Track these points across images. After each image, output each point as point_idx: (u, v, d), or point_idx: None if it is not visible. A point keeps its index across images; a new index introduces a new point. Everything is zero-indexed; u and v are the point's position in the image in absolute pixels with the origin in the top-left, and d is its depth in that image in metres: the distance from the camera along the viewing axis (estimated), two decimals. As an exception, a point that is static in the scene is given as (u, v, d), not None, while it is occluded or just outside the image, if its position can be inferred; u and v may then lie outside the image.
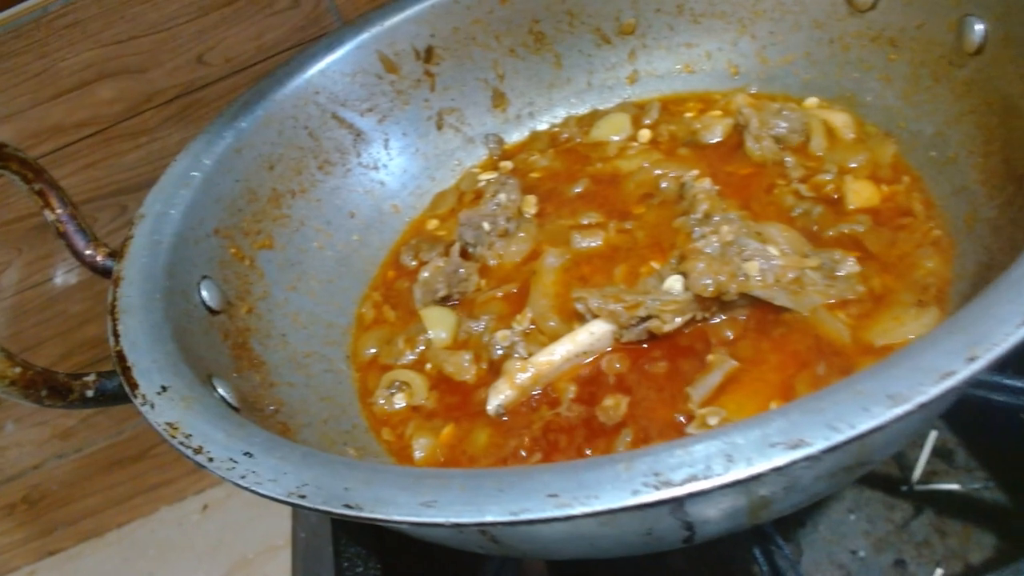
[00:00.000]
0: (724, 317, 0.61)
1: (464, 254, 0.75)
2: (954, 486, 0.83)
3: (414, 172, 0.85)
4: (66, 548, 1.43)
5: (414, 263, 0.78)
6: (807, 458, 0.31)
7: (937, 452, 0.85)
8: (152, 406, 0.44)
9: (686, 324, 0.61)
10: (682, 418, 0.56)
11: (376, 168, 0.83)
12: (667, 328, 0.60)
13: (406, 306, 0.75)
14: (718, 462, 0.31)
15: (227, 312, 0.63)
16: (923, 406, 0.31)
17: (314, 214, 0.77)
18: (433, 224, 0.83)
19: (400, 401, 0.66)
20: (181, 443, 0.41)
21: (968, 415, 0.81)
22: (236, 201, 0.70)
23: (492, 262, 0.74)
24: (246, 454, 0.39)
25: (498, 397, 0.61)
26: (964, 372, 0.31)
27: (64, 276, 1.17)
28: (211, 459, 0.39)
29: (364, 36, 0.81)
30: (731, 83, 0.83)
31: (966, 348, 0.32)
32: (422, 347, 0.69)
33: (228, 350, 0.60)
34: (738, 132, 0.77)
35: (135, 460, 1.35)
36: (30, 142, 1.04)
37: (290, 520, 1.36)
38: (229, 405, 0.51)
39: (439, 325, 0.70)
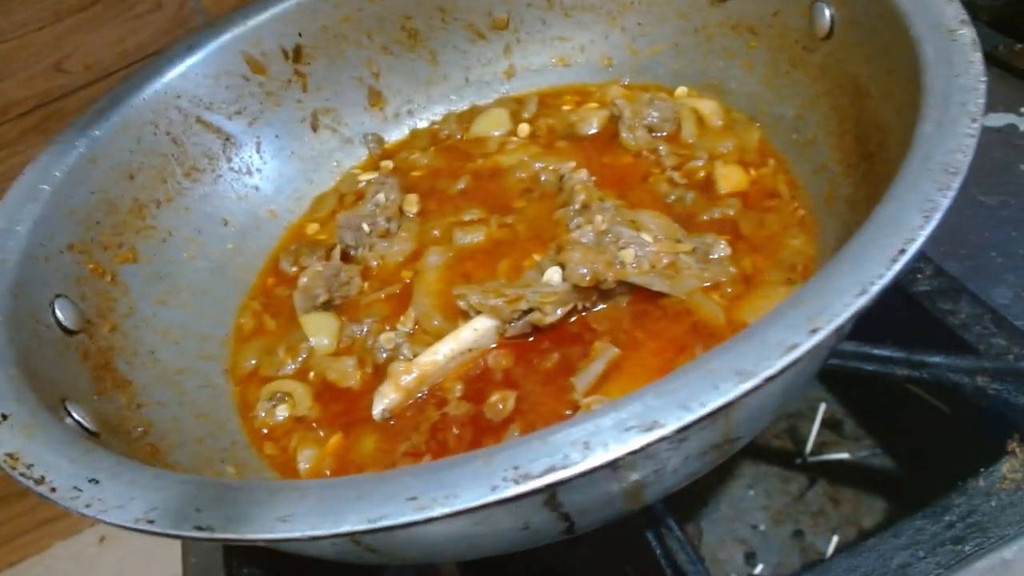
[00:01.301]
0: (604, 306, 0.62)
1: (345, 257, 0.73)
2: (844, 455, 0.86)
3: (290, 175, 0.83)
4: (-54, 597, 1.33)
5: (294, 269, 0.76)
6: (662, 439, 0.31)
7: (827, 424, 0.88)
8: (-10, 438, 0.41)
9: (568, 315, 0.61)
10: (568, 411, 0.56)
11: (249, 172, 0.80)
12: (548, 320, 0.60)
13: (287, 314, 0.72)
14: (575, 450, 0.31)
15: (86, 331, 0.59)
16: (770, 379, 0.32)
17: (183, 223, 0.74)
18: (313, 228, 0.81)
19: (282, 413, 0.64)
20: (22, 474, 0.38)
21: (854, 387, 0.85)
22: (92, 214, 0.66)
23: (374, 263, 0.73)
24: (91, 480, 0.36)
25: (383, 401, 0.60)
26: (807, 344, 0.32)
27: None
28: (53, 489, 0.37)
29: (226, 37, 0.77)
30: (605, 75, 0.84)
31: (807, 320, 0.33)
32: (304, 355, 0.67)
33: (87, 371, 0.56)
34: (613, 123, 0.78)
35: (24, 494, 1.26)
36: None
37: (189, 546, 1.30)
38: (85, 430, 0.48)
39: (321, 331, 0.67)
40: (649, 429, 0.31)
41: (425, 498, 0.31)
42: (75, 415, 0.48)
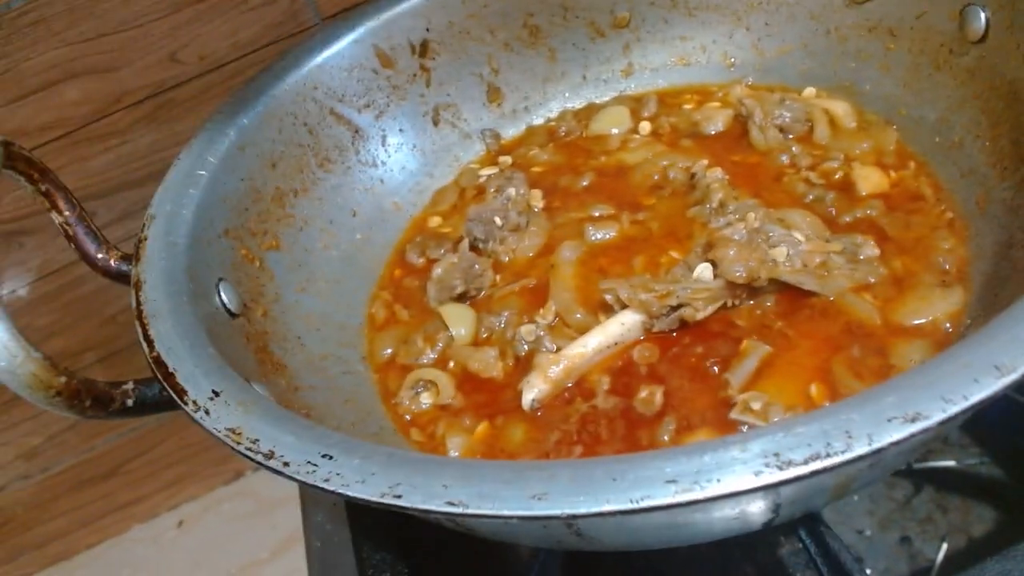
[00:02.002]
0: (752, 303, 0.62)
1: (473, 250, 0.74)
2: (950, 463, 0.86)
3: (412, 169, 0.84)
4: (33, 573, 1.35)
5: (421, 261, 0.77)
6: (925, 430, 0.31)
7: None
8: (207, 412, 0.42)
9: (715, 312, 0.61)
10: (723, 407, 0.56)
11: (375, 165, 0.81)
12: (699, 316, 0.60)
13: (418, 304, 0.73)
14: (838, 439, 0.31)
15: (245, 315, 0.61)
16: (1027, 374, 0.32)
17: (317, 213, 0.75)
18: (436, 221, 0.82)
19: (426, 400, 0.65)
20: (248, 449, 0.39)
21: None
22: (242, 201, 0.67)
23: (505, 257, 0.73)
24: (325, 456, 0.37)
25: (532, 391, 0.60)
26: (1065, 339, 0.32)
27: (25, 289, 1.11)
28: (286, 464, 0.37)
29: (360, 30, 0.79)
30: (727, 75, 0.84)
31: (1061, 317, 0.33)
32: (442, 345, 0.68)
33: (252, 354, 0.58)
34: (739, 123, 0.78)
35: (105, 478, 1.29)
36: (-9, 146, 0.98)
37: (273, 533, 1.32)
38: (270, 410, 0.49)
39: (459, 322, 0.68)
40: (913, 421, 0.31)
41: (686, 481, 0.31)
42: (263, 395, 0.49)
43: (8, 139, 0.51)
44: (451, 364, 0.67)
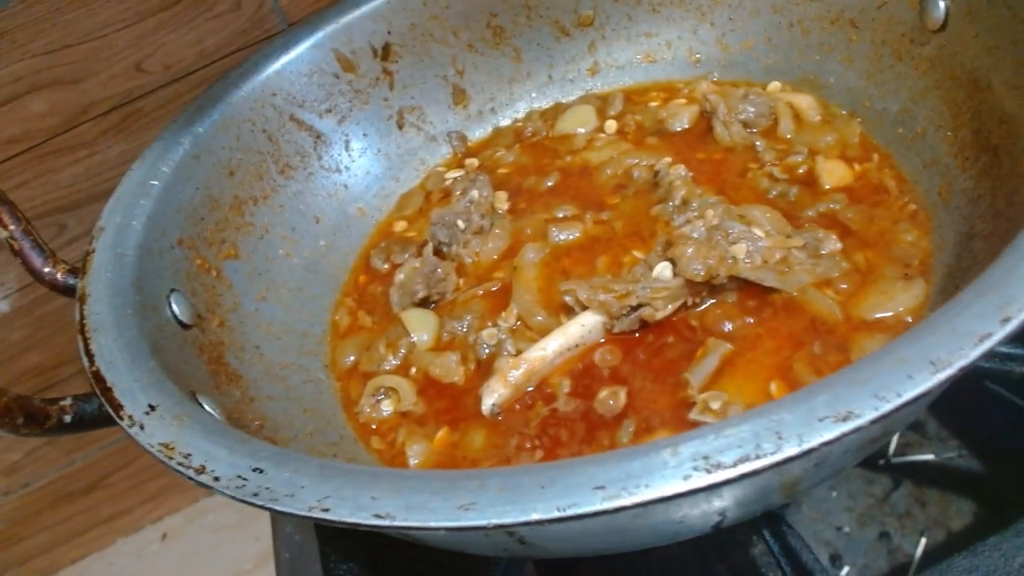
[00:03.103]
0: (713, 301, 0.61)
1: (437, 254, 0.73)
2: (929, 456, 0.85)
3: (377, 173, 0.83)
4: (15, 591, 1.35)
5: (386, 266, 0.76)
6: (857, 429, 0.30)
7: (909, 425, 0.86)
8: (141, 427, 0.41)
9: (676, 311, 0.60)
10: (683, 407, 0.56)
11: (338, 171, 0.80)
12: (659, 315, 0.59)
13: (382, 310, 0.72)
14: (768, 440, 0.30)
15: (199, 326, 0.60)
16: (962, 369, 0.31)
17: (278, 221, 0.74)
18: (401, 226, 0.81)
19: (387, 408, 0.64)
20: (180, 464, 0.38)
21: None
22: (198, 210, 0.66)
23: (468, 260, 0.73)
24: (255, 470, 0.36)
25: (492, 396, 0.60)
26: (1000, 333, 0.31)
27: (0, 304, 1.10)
28: (217, 478, 0.37)
29: (320, 35, 0.78)
30: (692, 71, 0.84)
31: (998, 309, 0.32)
32: (404, 351, 0.67)
33: (204, 365, 0.57)
34: (705, 119, 0.78)
35: (87, 492, 1.28)
36: (-44, 160, 0.97)
37: (256, 543, 1.31)
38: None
39: (421, 327, 0.67)
40: (844, 420, 0.30)
41: (614, 487, 0.30)
42: (207, 408, 0.48)
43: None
44: (413, 370, 0.66)
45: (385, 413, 0.63)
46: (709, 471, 0.30)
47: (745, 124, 0.74)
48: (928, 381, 0.31)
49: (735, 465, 0.30)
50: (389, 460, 0.60)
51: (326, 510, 0.33)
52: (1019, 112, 0.53)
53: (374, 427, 0.63)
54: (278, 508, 0.34)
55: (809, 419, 0.31)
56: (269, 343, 0.66)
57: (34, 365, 1.14)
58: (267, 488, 0.35)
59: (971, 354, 0.31)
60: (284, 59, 0.76)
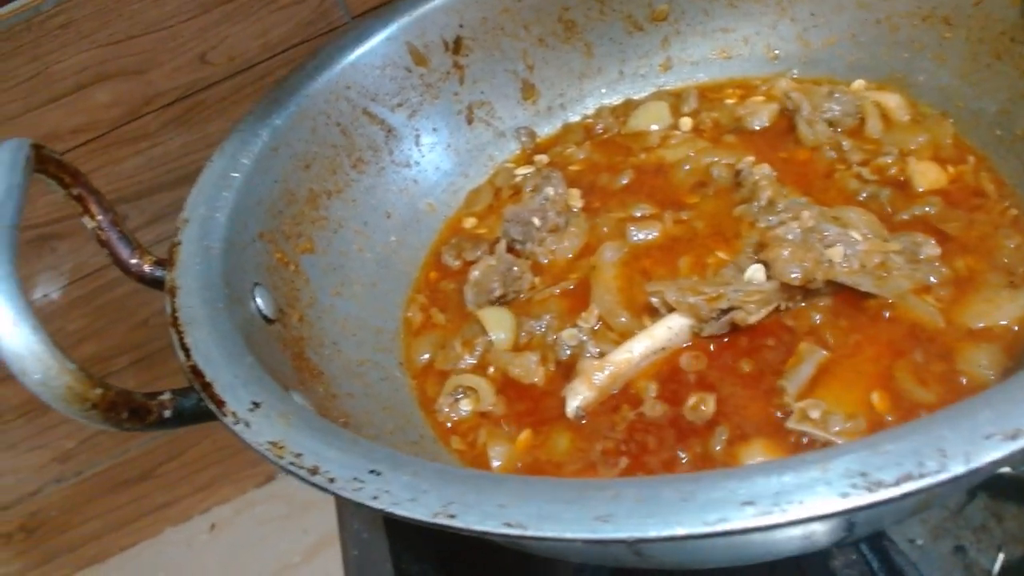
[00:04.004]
0: (805, 306, 0.59)
1: (511, 251, 0.72)
2: (1006, 469, 0.82)
3: (447, 169, 0.82)
4: (67, 576, 1.36)
5: (457, 263, 0.75)
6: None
7: None
8: (247, 424, 0.40)
9: (767, 315, 0.59)
10: (779, 414, 0.54)
11: (408, 165, 0.80)
12: (752, 319, 0.58)
13: (455, 308, 0.71)
14: (931, 458, 0.29)
15: (281, 321, 0.59)
16: None
17: (351, 215, 0.73)
18: (471, 222, 0.80)
19: (466, 407, 0.63)
20: (292, 464, 0.37)
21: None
22: (276, 203, 0.66)
23: (543, 259, 0.71)
24: (373, 472, 0.35)
25: (576, 398, 0.58)
26: None
27: (58, 293, 1.11)
28: (332, 480, 0.36)
29: (393, 27, 0.77)
30: (770, 68, 0.82)
31: None
32: (481, 350, 0.66)
33: (289, 361, 0.56)
34: (785, 117, 0.75)
35: (139, 480, 1.29)
36: (22, 151, 0.98)
37: (304, 536, 1.31)
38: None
39: (499, 326, 0.66)
40: (1013, 437, 0.28)
41: (764, 503, 0.29)
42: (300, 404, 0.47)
43: (38, 142, 0.50)
44: (491, 370, 0.65)
45: (464, 413, 0.62)
46: (870, 489, 0.28)
47: (830, 123, 0.72)
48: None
49: (897, 484, 0.28)
50: (471, 461, 0.59)
51: (452, 516, 0.32)
52: None
53: (451, 426, 0.62)
54: (401, 513, 0.33)
55: (973, 436, 0.29)
56: (345, 339, 0.65)
57: (91, 355, 1.14)
58: (387, 492, 0.34)
59: None
60: (358, 51, 0.75)
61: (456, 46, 0.81)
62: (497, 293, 0.68)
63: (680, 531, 0.29)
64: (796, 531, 0.35)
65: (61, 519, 1.28)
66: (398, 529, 0.70)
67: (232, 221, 0.59)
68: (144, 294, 1.10)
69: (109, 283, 1.11)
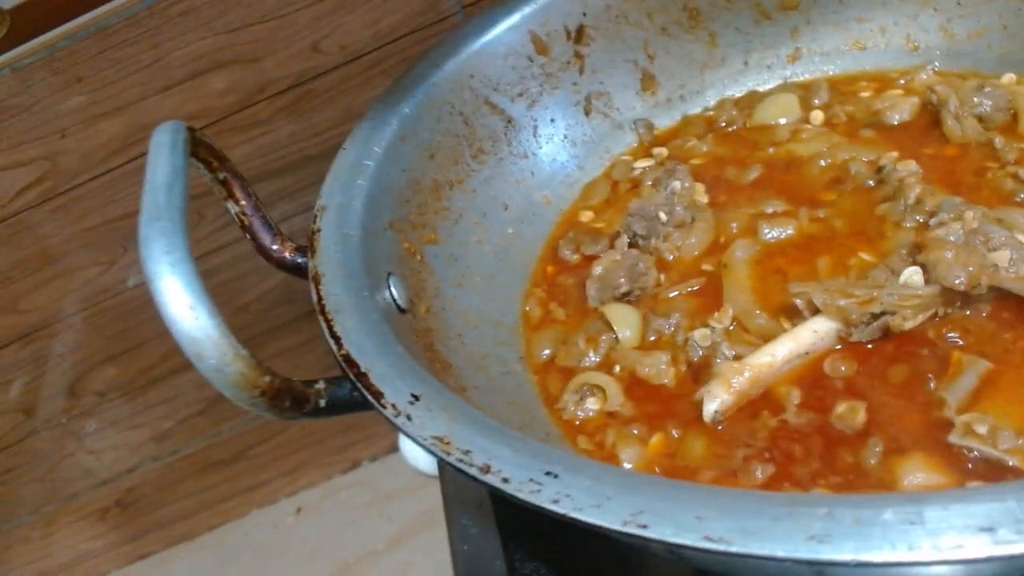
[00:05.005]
0: (964, 313, 0.56)
1: (632, 246, 0.70)
2: None
3: (563, 161, 0.80)
4: (157, 552, 1.40)
5: (575, 257, 0.73)
6: None
7: None
8: (408, 417, 0.39)
9: (923, 321, 0.55)
10: (938, 426, 0.51)
11: (526, 156, 0.78)
12: (908, 325, 0.54)
13: (575, 303, 0.70)
14: None
15: (411, 311, 0.59)
16: None
17: (471, 206, 0.72)
18: (587, 216, 0.78)
19: (592, 406, 0.61)
20: (460, 460, 0.36)
21: None
22: (403, 192, 0.65)
23: (669, 256, 0.69)
24: (549, 474, 0.34)
25: (714, 402, 0.56)
26: None
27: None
28: (506, 480, 0.34)
29: (517, 15, 0.76)
30: (908, 60, 0.77)
31: None
32: (606, 348, 0.64)
33: (421, 352, 0.55)
34: (928, 112, 0.72)
35: (230, 462, 1.32)
36: (139, 135, 1.00)
37: (388, 524, 1.32)
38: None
39: (624, 323, 0.64)
40: None
41: (1006, 529, 0.26)
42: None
43: (191, 125, 0.50)
44: (616, 368, 0.63)
45: (590, 412, 0.61)
46: None
47: (980, 119, 0.68)
48: None
49: None
50: (599, 461, 0.58)
51: (644, 526, 0.31)
52: None
53: (578, 425, 0.61)
54: (585, 519, 0.32)
55: None
56: (469, 331, 0.64)
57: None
58: (568, 496, 0.33)
59: None
60: (483, 40, 0.74)
61: (578, 35, 0.79)
62: (622, 289, 0.66)
63: (909, 556, 0.27)
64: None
65: (155, 496, 1.32)
66: (509, 526, 0.69)
67: (367, 209, 0.59)
68: (245, 280, 1.12)
69: (212, 269, 1.13)
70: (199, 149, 0.51)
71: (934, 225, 0.57)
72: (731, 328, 0.61)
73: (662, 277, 0.68)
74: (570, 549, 0.66)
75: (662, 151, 0.81)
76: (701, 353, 0.60)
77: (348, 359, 0.44)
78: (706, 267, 0.68)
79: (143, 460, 1.29)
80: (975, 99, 0.68)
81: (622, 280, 0.66)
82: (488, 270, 0.71)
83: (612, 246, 0.71)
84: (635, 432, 0.58)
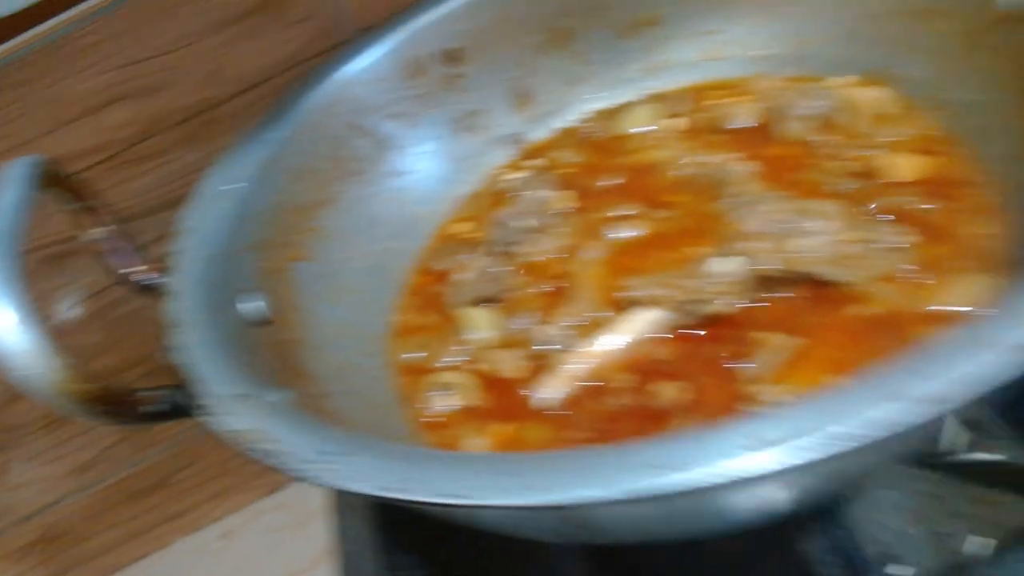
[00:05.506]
0: (774, 296, 0.60)
1: (499, 254, 0.74)
2: (985, 455, 0.81)
3: (440, 176, 0.84)
4: (83, 587, 1.39)
5: (447, 267, 0.77)
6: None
7: (965, 421, 0.83)
8: (217, 416, 0.42)
9: (741, 306, 0.60)
10: (742, 402, 0.55)
11: (401, 175, 0.82)
12: (723, 311, 0.59)
13: (443, 310, 0.73)
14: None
15: (271, 325, 0.62)
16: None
17: (341, 225, 0.75)
18: (462, 227, 0.82)
19: (446, 404, 0.65)
20: (249, 449, 0.39)
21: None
22: (268, 214, 0.68)
23: (531, 260, 0.73)
24: (323, 452, 0.37)
25: (546, 391, 0.60)
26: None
27: (76, 308, 1.14)
28: (284, 459, 0.38)
29: (390, 41, 0.79)
30: (757, 67, 0.82)
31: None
32: (465, 348, 0.68)
33: (278, 362, 0.59)
34: (767, 115, 0.76)
35: (154, 489, 1.32)
36: (44, 170, 1.02)
37: (309, 544, 1.33)
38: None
39: (481, 326, 0.68)
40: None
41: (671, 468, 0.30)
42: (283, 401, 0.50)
43: (49, 159, 0.53)
44: (474, 367, 0.66)
45: (444, 409, 0.64)
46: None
47: (808, 119, 0.73)
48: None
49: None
50: (451, 455, 0.61)
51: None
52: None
53: (433, 422, 0.64)
54: (349, 487, 0.35)
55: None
56: (334, 342, 0.68)
57: (104, 368, 1.17)
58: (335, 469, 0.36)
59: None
60: (354, 66, 0.78)
61: (453, 57, 0.83)
62: (483, 293, 0.70)
63: (592, 496, 0.30)
64: (719, 496, 0.36)
65: (80, 528, 1.31)
66: (390, 524, 0.72)
67: (226, 231, 0.62)
68: (154, 308, 1.14)
69: (121, 298, 1.14)
70: (55, 181, 0.54)
71: (743, 218, 0.62)
72: (576, 323, 0.65)
73: (523, 280, 0.72)
74: (444, 540, 0.69)
75: (536, 162, 0.85)
76: (548, 348, 0.64)
77: (178, 367, 0.47)
78: (565, 269, 0.72)
79: (66, 493, 1.27)
80: (804, 101, 0.73)
81: (479, 285, 0.70)
82: (358, 285, 0.74)
83: (480, 254, 0.74)
84: (484, 426, 0.62)
